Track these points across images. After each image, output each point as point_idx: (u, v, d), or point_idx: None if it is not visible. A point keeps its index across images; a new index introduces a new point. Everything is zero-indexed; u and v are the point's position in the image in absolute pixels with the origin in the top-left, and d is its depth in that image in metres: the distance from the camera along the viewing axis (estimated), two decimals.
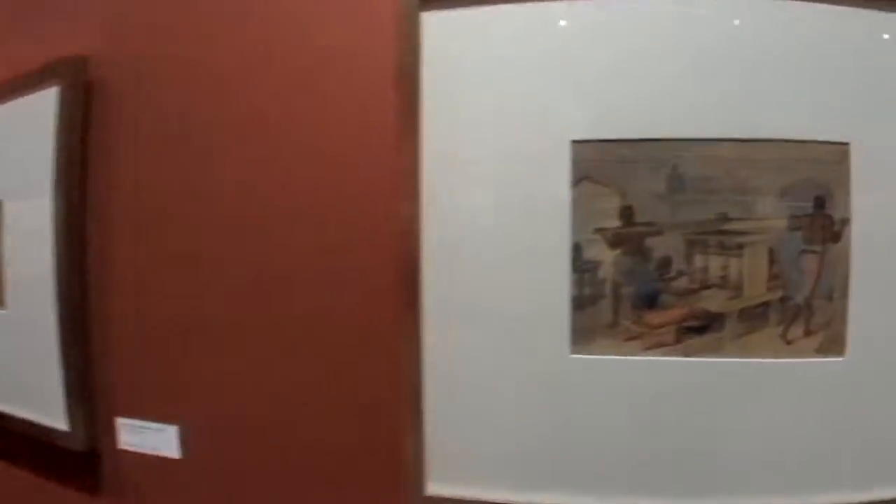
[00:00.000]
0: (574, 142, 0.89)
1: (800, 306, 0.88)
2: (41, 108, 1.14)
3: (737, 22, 0.88)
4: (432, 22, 0.91)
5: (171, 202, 1.06)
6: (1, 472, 1.25)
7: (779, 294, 0.88)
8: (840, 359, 0.88)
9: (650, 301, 0.90)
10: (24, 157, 1.18)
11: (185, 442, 1.07)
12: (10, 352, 1.22)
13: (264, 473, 1.02)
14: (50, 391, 1.15)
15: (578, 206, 0.89)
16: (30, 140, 1.16)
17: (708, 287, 0.89)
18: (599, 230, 0.90)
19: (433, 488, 0.94)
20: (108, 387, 1.12)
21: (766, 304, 0.88)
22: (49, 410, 1.16)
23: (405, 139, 0.91)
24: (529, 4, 0.89)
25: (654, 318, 0.90)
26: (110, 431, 1.12)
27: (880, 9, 0.85)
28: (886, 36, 0.86)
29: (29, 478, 1.21)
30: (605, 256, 0.90)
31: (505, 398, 0.93)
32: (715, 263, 0.89)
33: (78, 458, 1.13)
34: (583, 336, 0.91)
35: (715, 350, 0.89)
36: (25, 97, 1.17)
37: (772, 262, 0.88)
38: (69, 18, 1.11)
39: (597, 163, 0.89)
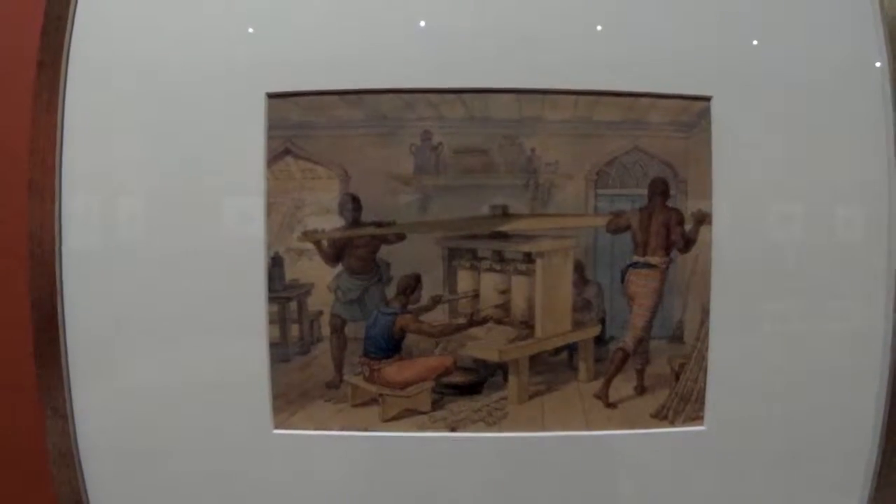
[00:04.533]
0: (271, 96, 0.65)
1: (626, 351, 0.68)
2: None
3: None
4: None
5: None
6: None
7: (592, 332, 0.68)
8: (697, 428, 0.67)
9: (389, 346, 0.68)
10: None
11: None
12: None
13: None
14: None
15: (277, 196, 0.66)
16: None
17: (480, 322, 0.69)
18: (309, 234, 0.67)
19: None
20: None
21: (571, 348, 0.69)
22: None
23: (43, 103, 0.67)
24: None
25: (396, 372, 0.68)
26: None
27: None
28: None
29: None
30: (320, 276, 0.67)
31: (186, 489, 0.69)
32: (490, 285, 0.69)
33: None
34: (290, 402, 0.67)
35: (493, 420, 0.67)
36: None
37: (581, 282, 0.67)
38: None
39: (303, 129, 0.65)
